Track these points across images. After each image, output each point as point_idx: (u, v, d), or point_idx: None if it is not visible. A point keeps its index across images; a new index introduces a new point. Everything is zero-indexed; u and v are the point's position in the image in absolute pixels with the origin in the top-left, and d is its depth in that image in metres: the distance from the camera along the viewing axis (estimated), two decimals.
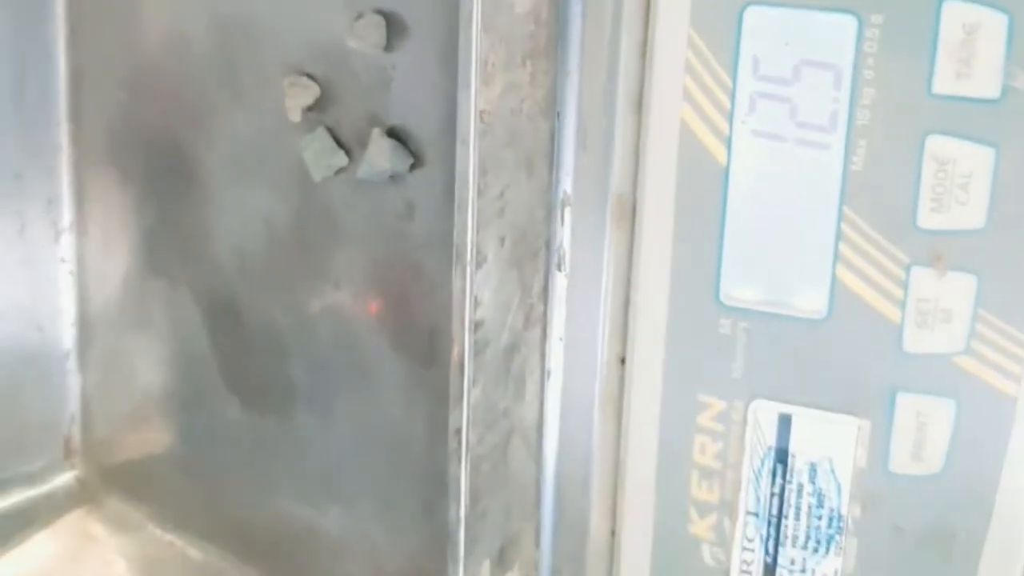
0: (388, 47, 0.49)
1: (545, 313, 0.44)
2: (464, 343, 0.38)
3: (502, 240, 0.41)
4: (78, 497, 0.63)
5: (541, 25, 0.41)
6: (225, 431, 0.58)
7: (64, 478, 0.63)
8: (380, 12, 0.48)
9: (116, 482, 0.63)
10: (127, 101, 0.57)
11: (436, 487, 0.51)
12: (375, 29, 0.48)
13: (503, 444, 0.42)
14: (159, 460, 0.61)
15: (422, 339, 0.51)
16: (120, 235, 0.59)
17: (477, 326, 0.39)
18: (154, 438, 0.61)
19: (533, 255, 0.43)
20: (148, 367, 0.60)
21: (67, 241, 0.61)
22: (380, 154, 0.49)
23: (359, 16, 0.49)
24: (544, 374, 0.46)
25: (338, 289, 0.53)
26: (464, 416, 0.39)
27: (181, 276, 0.57)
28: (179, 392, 0.59)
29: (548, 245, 0.44)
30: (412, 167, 0.49)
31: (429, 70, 0.48)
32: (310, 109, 0.52)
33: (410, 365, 0.51)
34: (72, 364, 0.62)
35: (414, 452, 0.52)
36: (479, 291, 0.39)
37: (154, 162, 0.57)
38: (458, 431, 0.39)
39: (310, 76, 0.52)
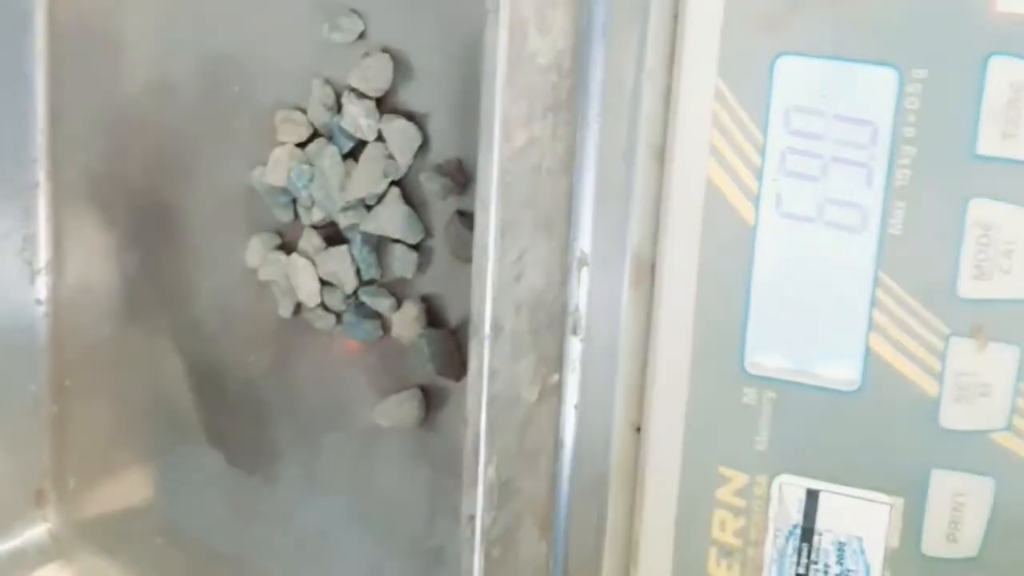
0: (392, 89, 0.47)
1: (560, 381, 0.42)
2: (480, 423, 0.36)
3: (519, 308, 0.38)
4: (50, 552, 0.62)
5: (564, 76, 0.39)
6: (207, 488, 0.56)
7: (36, 531, 0.61)
8: (388, 52, 0.46)
9: (90, 536, 0.61)
10: (109, 139, 0.56)
11: (432, 560, 0.49)
12: (381, 71, 0.46)
13: (514, 525, 0.40)
14: (136, 514, 0.59)
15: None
16: (99, 279, 0.57)
17: (492, 401, 0.37)
18: (131, 491, 0.59)
19: (550, 321, 0.41)
20: (125, 417, 0.58)
21: (43, 282, 0.59)
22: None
23: (365, 55, 0.47)
24: (557, 446, 0.44)
25: (329, 347, 0.51)
26: (479, 501, 0.36)
27: (162, 326, 0.56)
28: (158, 445, 0.57)
29: (564, 308, 0.42)
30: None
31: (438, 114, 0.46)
32: (302, 146, 0.50)
33: (407, 429, 0.49)
34: (45, 412, 0.60)
35: (409, 521, 0.50)
36: (495, 364, 0.37)
37: (136, 205, 0.55)
38: (471, 518, 0.36)
39: (302, 111, 0.50)
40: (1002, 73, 0.38)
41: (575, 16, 0.40)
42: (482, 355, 0.36)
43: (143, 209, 0.55)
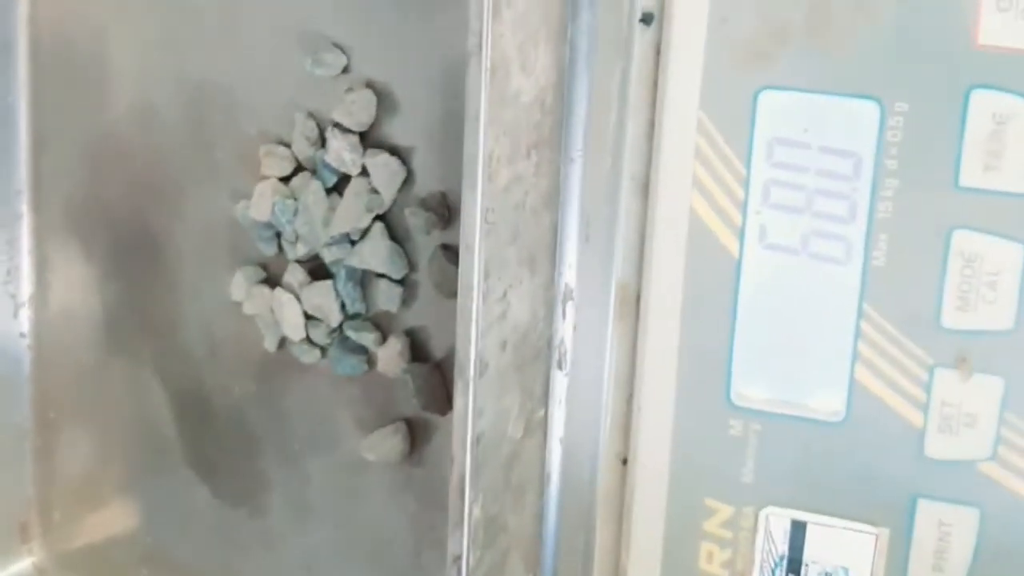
0: (376, 123, 0.46)
1: (545, 416, 0.42)
2: (465, 464, 0.35)
3: (504, 345, 0.38)
4: None
5: (547, 113, 0.39)
6: (193, 521, 0.55)
7: (21, 566, 0.60)
8: (371, 86, 0.46)
9: (76, 569, 0.60)
10: (92, 170, 0.55)
11: None
12: (365, 107, 0.46)
13: (501, 562, 0.40)
14: (122, 546, 0.58)
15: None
16: (82, 311, 0.56)
17: (478, 440, 0.36)
18: (116, 523, 0.58)
19: (535, 356, 0.41)
20: (110, 450, 0.57)
21: (26, 315, 0.58)
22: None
23: (349, 89, 0.46)
24: (543, 480, 0.43)
25: (315, 380, 0.50)
26: (464, 541, 0.36)
27: (146, 357, 0.55)
28: (143, 477, 0.57)
29: (549, 343, 0.42)
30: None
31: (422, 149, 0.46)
32: (286, 180, 0.49)
33: (393, 462, 0.49)
34: (29, 444, 0.59)
35: (396, 554, 0.50)
36: (480, 403, 0.36)
37: (119, 236, 0.55)
38: (457, 558, 0.36)
39: (286, 145, 0.49)
40: (984, 105, 0.38)
41: (557, 53, 0.40)
42: (467, 396, 0.35)
43: (127, 240, 0.55)
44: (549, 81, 0.39)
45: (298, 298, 0.48)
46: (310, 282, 0.49)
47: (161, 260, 0.54)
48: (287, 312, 0.49)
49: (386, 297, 0.47)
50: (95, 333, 0.56)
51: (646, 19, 0.41)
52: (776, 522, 0.42)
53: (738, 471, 0.42)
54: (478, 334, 0.35)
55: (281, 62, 0.49)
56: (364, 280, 0.48)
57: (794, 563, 0.43)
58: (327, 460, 0.51)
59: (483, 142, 0.33)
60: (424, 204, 0.46)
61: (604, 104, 0.42)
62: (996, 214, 0.38)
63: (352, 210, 0.46)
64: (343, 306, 0.48)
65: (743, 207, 0.41)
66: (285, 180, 0.49)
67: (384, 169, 0.46)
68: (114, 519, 0.58)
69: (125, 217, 0.54)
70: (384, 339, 0.48)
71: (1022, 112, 0.38)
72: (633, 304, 0.43)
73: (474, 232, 0.34)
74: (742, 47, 0.40)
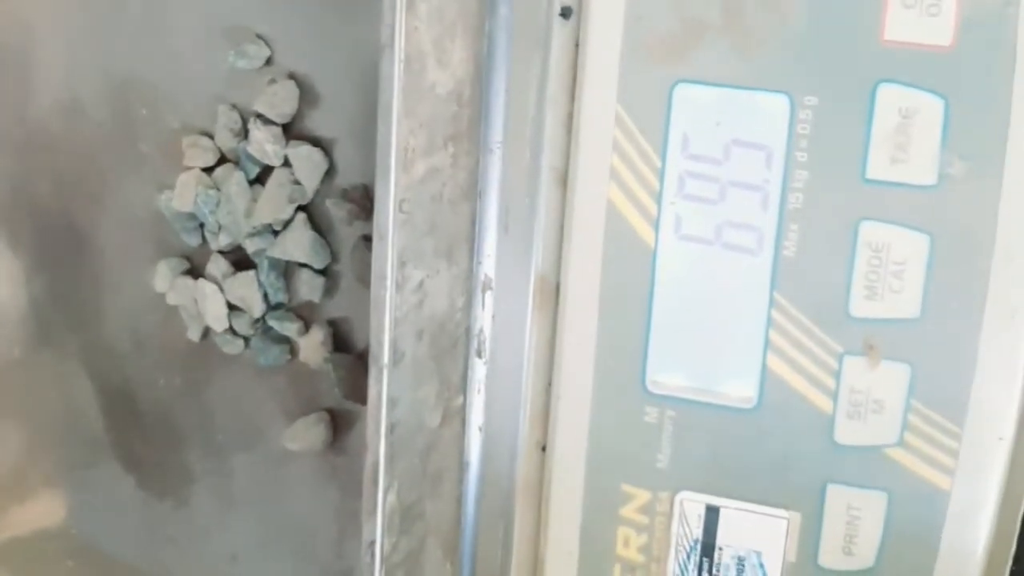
0: (298, 115, 0.47)
1: (464, 404, 0.42)
2: (379, 451, 0.36)
3: (420, 334, 0.38)
4: None
5: (464, 105, 0.39)
6: (119, 513, 0.55)
7: None
8: (294, 78, 0.46)
9: (2, 562, 0.59)
10: (17, 164, 0.55)
11: None
12: (287, 97, 0.46)
13: (418, 549, 0.40)
14: (47, 538, 0.58)
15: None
16: (8, 304, 0.56)
17: (393, 428, 0.37)
18: (42, 515, 0.58)
19: (453, 345, 0.41)
20: (36, 443, 0.57)
21: None
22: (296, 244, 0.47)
23: (271, 81, 0.47)
24: (462, 468, 0.43)
25: (239, 370, 0.50)
26: (378, 527, 0.36)
27: (72, 349, 0.55)
28: (69, 468, 0.56)
29: (468, 332, 0.42)
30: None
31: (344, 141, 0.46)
32: (209, 171, 0.49)
33: (316, 452, 0.49)
34: None
35: (319, 543, 0.50)
36: (396, 391, 0.36)
37: (45, 229, 0.55)
38: (371, 544, 0.36)
39: (210, 136, 0.49)
40: (890, 100, 0.38)
41: (474, 46, 0.40)
42: (381, 384, 0.35)
43: (53, 233, 0.54)
44: (467, 74, 0.39)
45: (221, 288, 0.49)
46: (233, 273, 0.49)
47: (87, 252, 0.54)
48: (210, 303, 0.49)
49: (308, 287, 0.47)
50: (21, 326, 0.56)
51: (565, 13, 0.41)
52: (691, 507, 0.43)
53: (654, 457, 0.43)
54: (392, 323, 0.36)
55: (205, 55, 0.49)
56: (287, 271, 0.48)
57: (708, 547, 0.43)
58: (252, 450, 0.51)
59: (396, 133, 0.34)
60: (346, 195, 0.46)
61: (523, 97, 0.42)
62: (902, 205, 0.39)
63: (274, 201, 0.46)
64: (266, 296, 0.48)
65: (658, 198, 0.41)
66: (208, 171, 0.49)
67: (306, 160, 0.46)
68: (40, 511, 0.58)
69: (51, 210, 0.54)
70: (307, 329, 0.48)
71: (926, 106, 0.38)
72: (552, 294, 0.43)
73: (387, 222, 0.34)
74: (658, 42, 0.40)
